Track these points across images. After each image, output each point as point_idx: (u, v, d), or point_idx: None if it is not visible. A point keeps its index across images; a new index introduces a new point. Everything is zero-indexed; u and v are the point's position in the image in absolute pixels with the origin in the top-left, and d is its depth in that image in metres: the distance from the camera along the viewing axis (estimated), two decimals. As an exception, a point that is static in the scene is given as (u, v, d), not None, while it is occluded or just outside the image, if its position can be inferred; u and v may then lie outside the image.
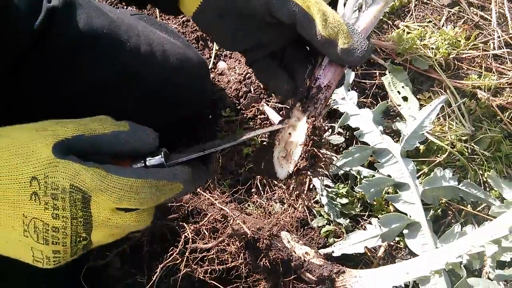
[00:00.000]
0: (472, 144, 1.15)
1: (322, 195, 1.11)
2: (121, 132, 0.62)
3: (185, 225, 0.96)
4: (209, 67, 1.37)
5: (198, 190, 1.04)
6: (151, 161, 0.63)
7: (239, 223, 0.94)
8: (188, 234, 0.94)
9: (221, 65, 1.39)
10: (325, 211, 1.10)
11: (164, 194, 0.61)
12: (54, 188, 0.55)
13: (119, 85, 0.99)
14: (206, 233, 0.95)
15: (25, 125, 0.61)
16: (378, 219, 1.03)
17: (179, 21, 1.47)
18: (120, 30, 0.99)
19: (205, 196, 1.03)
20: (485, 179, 1.14)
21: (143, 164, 0.62)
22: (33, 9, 0.87)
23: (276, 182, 1.16)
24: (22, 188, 0.55)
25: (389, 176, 1.05)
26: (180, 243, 0.92)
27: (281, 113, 1.26)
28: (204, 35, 1.44)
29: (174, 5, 0.73)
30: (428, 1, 1.41)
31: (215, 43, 1.41)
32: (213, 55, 1.40)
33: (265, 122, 1.26)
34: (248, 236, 0.92)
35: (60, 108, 0.94)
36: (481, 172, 1.14)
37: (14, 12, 0.85)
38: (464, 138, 1.15)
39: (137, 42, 1.01)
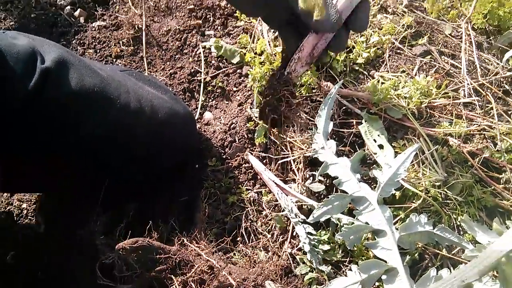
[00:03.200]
0: (445, 189, 1.21)
1: (305, 242, 1.16)
2: None
3: (173, 277, 1.00)
4: (196, 118, 1.43)
5: (185, 241, 1.08)
6: None
7: (225, 275, 0.98)
8: (176, 286, 0.98)
9: (207, 115, 1.45)
10: (307, 259, 1.14)
11: None
12: None
13: (108, 139, 1.05)
14: (193, 285, 0.99)
15: None
16: (358, 265, 1.07)
17: (166, 73, 1.53)
18: (110, 88, 1.05)
19: (192, 246, 1.08)
20: (459, 223, 1.19)
21: None
22: (28, 71, 0.93)
23: (260, 231, 1.21)
24: None
25: (367, 223, 1.11)
26: (169, 296, 0.96)
27: (264, 161, 1.32)
28: (191, 86, 1.50)
29: None
30: (401, 52, 1.49)
31: (201, 95, 1.47)
32: (199, 106, 1.47)
33: (249, 170, 1.31)
34: (234, 287, 0.97)
35: (47, 159, 1.00)
36: (454, 216, 1.20)
37: (10, 75, 0.91)
38: (437, 183, 1.21)
39: (127, 99, 1.07)
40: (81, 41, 1.65)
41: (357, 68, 1.44)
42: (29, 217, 1.30)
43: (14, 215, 1.30)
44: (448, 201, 1.21)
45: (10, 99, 0.90)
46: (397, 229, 1.11)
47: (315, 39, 1.05)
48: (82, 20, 1.72)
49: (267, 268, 1.07)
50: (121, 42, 1.63)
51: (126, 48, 1.62)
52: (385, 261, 1.08)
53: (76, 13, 1.73)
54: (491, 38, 1.57)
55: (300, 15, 0.91)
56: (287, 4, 0.97)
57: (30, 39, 1.02)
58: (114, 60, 1.60)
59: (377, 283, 1.13)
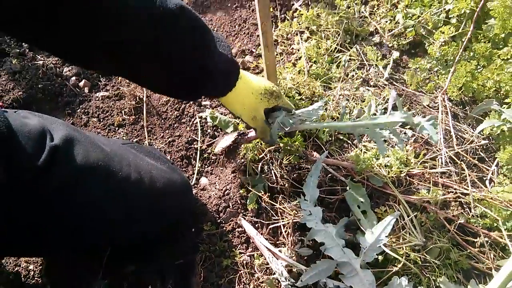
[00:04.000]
0: (424, 253, 1.30)
1: (294, 304, 1.24)
2: None
3: None
4: (192, 183, 1.53)
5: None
6: None
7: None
8: None
9: (203, 181, 1.56)
10: (296, 320, 1.22)
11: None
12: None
13: (109, 206, 1.14)
14: None
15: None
16: (343, 327, 1.15)
17: (165, 141, 1.64)
18: (113, 162, 1.15)
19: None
20: (437, 285, 1.27)
21: None
22: (38, 148, 1.03)
23: (252, 292, 1.29)
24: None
25: (351, 287, 1.19)
26: None
27: (256, 225, 1.41)
28: (188, 153, 1.61)
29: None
30: (382, 122, 1.61)
31: (197, 161, 1.58)
32: (196, 172, 1.57)
33: (242, 235, 1.40)
34: None
35: (50, 223, 1.09)
36: (433, 278, 1.28)
37: (22, 152, 1.01)
38: (417, 248, 1.31)
39: (128, 171, 1.17)
40: (86, 110, 1.77)
41: (341, 137, 1.56)
42: (35, 278, 1.38)
43: (22, 276, 1.38)
44: (427, 264, 1.30)
45: (21, 174, 1.00)
46: (379, 292, 1.20)
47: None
48: (86, 90, 1.85)
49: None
50: (123, 111, 1.76)
51: (128, 117, 1.74)
52: (369, 324, 1.16)
53: (81, 84, 1.86)
54: (466, 108, 1.70)
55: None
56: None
57: (40, 118, 1.13)
58: (116, 128, 1.71)
59: None
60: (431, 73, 1.78)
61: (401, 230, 1.34)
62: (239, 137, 1.50)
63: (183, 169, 1.59)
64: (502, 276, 1.08)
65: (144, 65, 0.98)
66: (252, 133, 1.48)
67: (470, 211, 1.39)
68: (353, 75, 1.77)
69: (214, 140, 1.64)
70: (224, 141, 1.54)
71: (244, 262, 1.35)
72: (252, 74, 1.27)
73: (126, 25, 0.88)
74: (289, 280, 1.25)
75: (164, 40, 0.94)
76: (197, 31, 1.01)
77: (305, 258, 1.33)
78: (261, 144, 1.52)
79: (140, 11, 0.88)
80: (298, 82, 1.66)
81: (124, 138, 1.68)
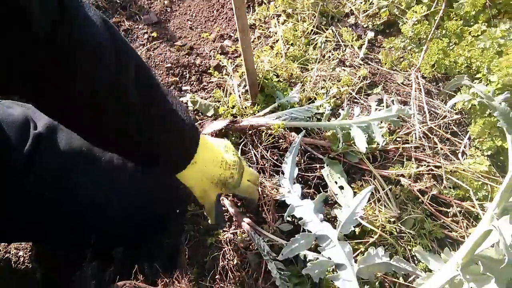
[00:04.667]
0: (399, 224, 1.36)
1: (276, 277, 1.30)
2: None
3: (159, 315, 1.13)
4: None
5: (168, 281, 1.21)
6: None
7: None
8: (160, 323, 1.11)
9: (186, 164, 1.60)
10: (280, 292, 1.28)
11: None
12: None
13: (93, 193, 1.18)
14: (176, 320, 1.12)
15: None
16: (323, 297, 1.21)
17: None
18: (95, 148, 1.19)
19: (175, 285, 1.21)
20: (413, 254, 1.33)
21: None
22: (23, 136, 1.07)
23: (237, 268, 1.34)
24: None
25: (329, 258, 1.25)
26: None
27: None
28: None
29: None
30: (357, 100, 1.67)
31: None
32: (178, 155, 1.61)
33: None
34: (212, 320, 1.10)
35: (37, 209, 1.13)
36: (409, 248, 1.34)
37: (7, 141, 1.04)
38: (392, 219, 1.36)
39: (110, 156, 1.21)
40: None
41: (319, 117, 1.61)
42: (26, 264, 1.42)
43: (12, 262, 1.42)
44: (402, 234, 1.36)
45: (6, 162, 1.04)
46: (356, 262, 1.25)
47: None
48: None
49: (242, 303, 1.21)
50: (106, 99, 1.78)
51: (111, 104, 1.77)
52: (347, 292, 1.22)
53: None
54: (439, 85, 1.76)
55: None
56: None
57: (23, 108, 1.16)
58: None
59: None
60: (405, 52, 1.83)
61: (377, 203, 1.40)
62: (231, 124, 1.53)
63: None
64: (471, 242, 1.13)
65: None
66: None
67: (443, 183, 1.45)
68: (329, 56, 1.81)
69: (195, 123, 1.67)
70: (216, 124, 1.56)
71: (228, 239, 1.39)
72: (212, 140, 1.22)
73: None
74: (270, 255, 1.31)
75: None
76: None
77: (286, 233, 1.39)
78: (247, 130, 1.55)
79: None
80: (275, 65, 1.71)
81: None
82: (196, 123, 1.62)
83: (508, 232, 1.09)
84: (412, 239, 1.35)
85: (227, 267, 1.35)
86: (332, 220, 1.38)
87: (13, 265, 1.41)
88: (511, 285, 1.20)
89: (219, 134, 1.57)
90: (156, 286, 1.18)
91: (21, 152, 1.05)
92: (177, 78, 1.79)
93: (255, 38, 1.91)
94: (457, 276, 1.13)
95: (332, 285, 1.30)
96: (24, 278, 1.39)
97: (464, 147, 1.57)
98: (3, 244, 1.47)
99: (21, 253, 1.44)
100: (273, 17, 1.96)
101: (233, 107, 1.63)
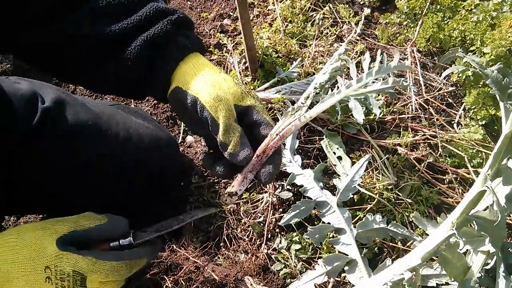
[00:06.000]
0: (397, 191, 1.41)
1: (280, 243, 1.35)
2: (102, 224, 0.93)
3: (165, 277, 1.18)
4: (179, 142, 1.62)
5: (175, 247, 1.26)
6: (124, 241, 0.94)
7: (209, 271, 1.16)
8: (168, 284, 1.16)
9: (189, 138, 1.64)
10: (282, 257, 1.33)
11: (135, 268, 0.93)
12: (62, 274, 0.83)
13: (101, 166, 1.21)
14: (183, 283, 1.17)
15: (29, 225, 0.91)
16: (323, 260, 1.26)
17: (151, 103, 1.72)
18: (101, 121, 1.22)
19: (181, 252, 1.26)
20: (410, 220, 1.38)
21: (118, 244, 0.93)
22: (31, 110, 1.10)
23: (240, 236, 1.39)
24: (39, 274, 0.83)
25: (329, 223, 1.30)
26: (163, 293, 1.14)
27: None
28: (174, 114, 1.69)
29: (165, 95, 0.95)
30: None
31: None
32: (181, 131, 1.65)
33: (228, 184, 1.50)
34: (217, 281, 1.15)
35: (48, 191, 1.17)
36: (406, 214, 1.39)
37: (16, 114, 1.08)
38: (390, 187, 1.41)
39: (116, 130, 1.24)
40: (73, 79, 1.83)
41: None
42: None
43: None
44: (400, 201, 1.41)
45: (16, 134, 1.07)
46: (355, 227, 1.30)
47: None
48: (72, 60, 1.90)
49: (246, 266, 1.26)
50: (108, 78, 1.82)
51: (114, 83, 1.80)
52: (346, 255, 1.26)
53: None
54: (434, 58, 1.80)
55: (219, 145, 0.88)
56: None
57: (30, 83, 1.19)
58: (105, 97, 1.78)
59: (343, 275, 1.31)
60: (401, 27, 1.87)
61: (374, 172, 1.44)
62: None
63: (169, 129, 1.67)
64: (466, 202, 1.18)
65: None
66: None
67: (439, 151, 1.49)
68: (327, 33, 1.85)
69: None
70: None
71: (231, 209, 1.44)
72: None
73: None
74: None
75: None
76: None
77: (286, 201, 1.43)
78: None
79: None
80: (274, 41, 1.74)
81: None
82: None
83: (502, 192, 1.13)
84: (409, 206, 1.40)
85: (231, 235, 1.40)
86: (331, 189, 1.43)
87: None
88: (505, 245, 1.25)
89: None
90: (163, 252, 1.23)
91: (30, 125, 1.08)
92: (178, 56, 1.82)
93: (253, 17, 1.94)
94: (452, 236, 1.17)
95: (332, 251, 1.35)
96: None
97: (459, 117, 1.61)
98: (13, 218, 1.51)
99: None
100: (271, -4, 2.00)
101: (234, 83, 1.67)
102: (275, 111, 1.56)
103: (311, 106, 1.02)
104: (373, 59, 1.73)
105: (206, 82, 0.87)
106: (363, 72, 1.25)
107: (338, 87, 1.19)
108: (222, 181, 1.51)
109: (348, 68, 1.63)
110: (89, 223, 0.92)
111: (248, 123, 0.89)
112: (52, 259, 0.83)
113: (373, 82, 1.54)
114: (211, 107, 0.84)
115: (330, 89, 1.22)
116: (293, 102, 1.59)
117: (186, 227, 1.40)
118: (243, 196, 1.46)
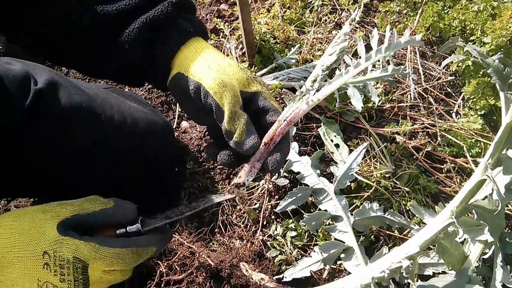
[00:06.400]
0: (394, 180, 1.39)
1: (275, 229, 1.33)
2: (107, 208, 0.84)
3: (160, 262, 1.16)
4: (174, 127, 1.59)
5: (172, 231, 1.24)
6: (131, 228, 0.84)
7: (204, 257, 1.14)
8: (162, 269, 1.14)
9: (184, 124, 1.62)
10: (277, 244, 1.31)
11: (142, 257, 0.84)
12: (61, 260, 0.76)
13: (95, 150, 1.19)
14: (178, 268, 1.14)
15: (28, 208, 0.83)
16: (320, 247, 1.24)
17: (145, 88, 1.69)
18: (96, 104, 1.19)
19: (175, 237, 1.23)
20: (408, 208, 1.37)
21: (125, 231, 0.84)
22: (23, 91, 1.07)
23: (235, 222, 1.37)
24: (37, 259, 0.76)
25: (326, 210, 1.28)
26: (156, 277, 1.12)
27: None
28: (168, 99, 1.66)
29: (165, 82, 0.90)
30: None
31: (178, 106, 1.64)
32: (176, 116, 1.63)
33: (223, 171, 1.48)
34: (212, 267, 1.13)
35: (46, 175, 1.14)
36: (404, 203, 1.38)
37: (8, 96, 1.05)
38: (387, 175, 1.40)
39: (111, 113, 1.21)
40: (66, 62, 1.80)
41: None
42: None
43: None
44: (397, 189, 1.40)
45: (8, 116, 1.04)
46: (352, 215, 1.29)
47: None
48: (65, 42, 1.86)
49: (241, 252, 1.24)
50: (103, 61, 1.79)
51: (108, 67, 1.77)
52: (343, 242, 1.25)
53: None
54: (434, 47, 1.78)
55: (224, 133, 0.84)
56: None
57: (23, 64, 1.16)
58: (100, 81, 1.75)
59: (339, 262, 1.30)
60: (400, 16, 1.85)
61: (372, 160, 1.43)
62: None
63: (164, 113, 1.65)
64: (465, 191, 1.16)
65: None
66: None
67: (437, 140, 1.48)
68: (325, 20, 1.83)
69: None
70: None
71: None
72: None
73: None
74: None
75: None
76: None
77: (282, 188, 1.41)
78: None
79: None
80: (272, 27, 1.72)
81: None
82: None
83: (502, 182, 1.12)
84: (406, 194, 1.39)
85: (226, 221, 1.38)
86: (328, 177, 1.41)
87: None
88: (503, 235, 1.24)
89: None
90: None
91: (23, 106, 1.05)
92: (174, 41, 1.79)
93: (251, 1, 1.91)
94: (451, 225, 1.16)
95: (329, 238, 1.34)
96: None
97: (458, 107, 1.60)
98: (2, 202, 1.49)
99: (22, 209, 1.45)
100: (270, -18, 1.97)
101: (231, 68, 1.64)
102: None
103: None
104: (371, 47, 1.71)
105: (210, 67, 0.83)
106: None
107: (346, 67, 1.17)
108: (218, 167, 1.49)
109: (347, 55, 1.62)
110: (93, 207, 0.84)
111: (254, 109, 0.85)
112: (51, 244, 0.76)
113: (371, 71, 1.53)
114: (215, 94, 0.80)
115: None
116: (291, 89, 1.57)
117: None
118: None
